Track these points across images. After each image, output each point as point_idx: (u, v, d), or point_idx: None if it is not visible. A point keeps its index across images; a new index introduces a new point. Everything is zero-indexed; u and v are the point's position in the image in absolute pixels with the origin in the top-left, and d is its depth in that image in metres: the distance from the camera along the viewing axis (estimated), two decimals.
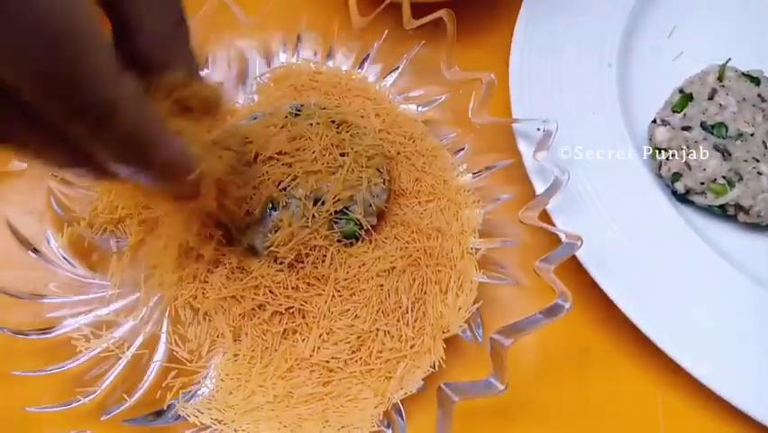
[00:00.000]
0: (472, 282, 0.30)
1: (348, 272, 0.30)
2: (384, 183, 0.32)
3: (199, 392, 0.29)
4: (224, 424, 0.28)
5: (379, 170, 0.32)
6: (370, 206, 0.31)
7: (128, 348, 0.30)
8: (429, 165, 0.34)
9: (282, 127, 0.32)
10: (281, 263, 0.30)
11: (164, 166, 0.22)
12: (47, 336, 0.29)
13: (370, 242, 0.31)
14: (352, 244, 0.31)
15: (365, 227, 0.31)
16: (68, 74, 0.18)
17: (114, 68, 0.19)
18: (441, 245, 0.31)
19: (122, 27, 0.22)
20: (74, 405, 0.27)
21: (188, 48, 0.24)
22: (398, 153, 0.35)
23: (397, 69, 0.38)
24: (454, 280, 0.30)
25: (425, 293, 0.30)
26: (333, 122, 0.32)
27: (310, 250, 0.30)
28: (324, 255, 0.30)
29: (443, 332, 0.29)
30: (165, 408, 0.29)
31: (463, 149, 0.36)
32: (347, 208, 0.30)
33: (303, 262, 0.30)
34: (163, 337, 0.30)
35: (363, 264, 0.30)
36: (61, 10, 0.17)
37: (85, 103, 0.18)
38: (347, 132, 0.32)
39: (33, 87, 0.18)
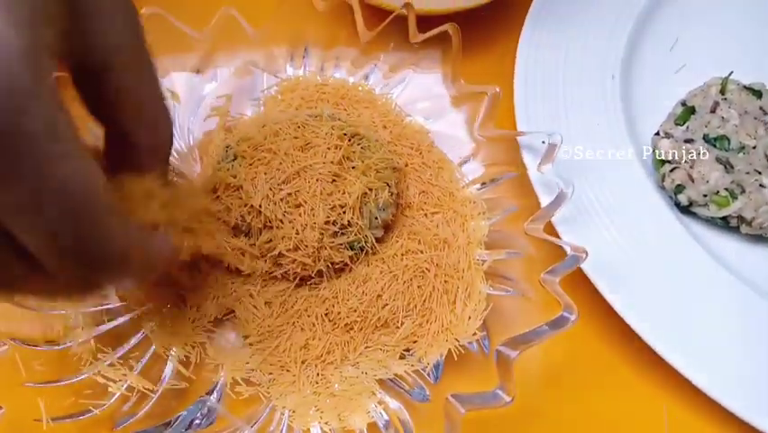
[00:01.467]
0: (480, 293, 0.31)
1: (354, 282, 0.31)
2: (392, 196, 0.32)
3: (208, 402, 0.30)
4: None
5: (387, 183, 0.32)
6: (377, 218, 0.31)
7: (139, 359, 0.30)
8: (435, 177, 0.35)
9: (295, 138, 0.32)
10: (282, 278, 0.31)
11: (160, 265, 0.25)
12: (58, 347, 0.30)
13: (374, 253, 0.32)
14: (357, 256, 0.31)
15: (370, 241, 0.31)
16: (83, 235, 0.18)
17: (123, 220, 0.20)
18: (448, 256, 0.31)
19: (117, 138, 0.25)
20: (86, 416, 0.28)
21: (158, 94, 0.26)
22: (406, 165, 0.35)
23: (403, 81, 0.39)
24: (462, 291, 0.31)
25: (434, 301, 0.31)
26: (345, 134, 0.32)
27: (313, 262, 0.30)
28: (330, 267, 0.31)
29: (456, 340, 0.30)
30: (174, 419, 0.29)
31: (468, 161, 0.36)
32: (352, 220, 0.31)
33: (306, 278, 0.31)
34: (173, 351, 0.31)
35: (368, 276, 0.31)
36: (80, 176, 0.18)
37: (100, 257, 0.19)
38: (359, 144, 0.32)
39: (47, 245, 0.18)
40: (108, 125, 0.25)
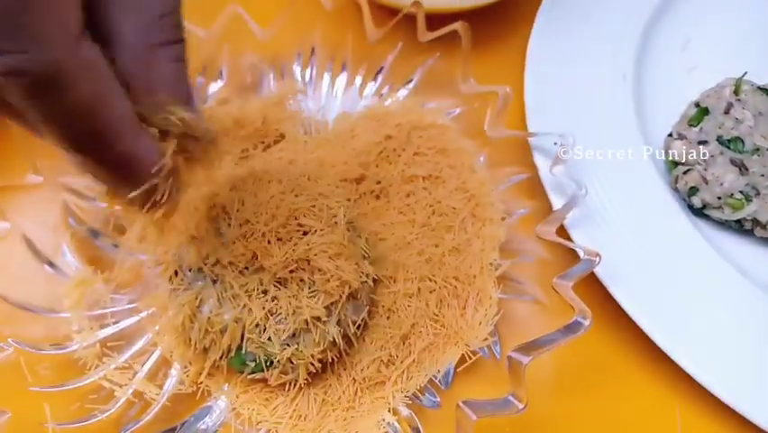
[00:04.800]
0: (491, 298, 0.30)
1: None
2: (360, 298, 0.29)
3: (214, 407, 0.29)
4: None
5: (353, 295, 0.29)
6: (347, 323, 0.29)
7: (143, 363, 0.30)
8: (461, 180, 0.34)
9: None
10: None
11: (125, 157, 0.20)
12: (63, 351, 0.29)
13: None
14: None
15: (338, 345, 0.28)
16: (13, 23, 0.16)
17: (78, 28, 0.17)
18: (461, 262, 0.31)
19: (105, 45, 0.19)
20: (92, 421, 0.27)
21: (178, 73, 0.21)
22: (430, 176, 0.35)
23: (412, 81, 0.38)
24: (473, 296, 0.30)
25: (445, 306, 0.30)
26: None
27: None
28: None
29: (467, 345, 0.29)
30: (180, 424, 0.29)
31: (479, 162, 0.35)
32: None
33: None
34: None
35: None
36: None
37: (32, 61, 0.16)
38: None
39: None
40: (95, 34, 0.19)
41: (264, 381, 0.28)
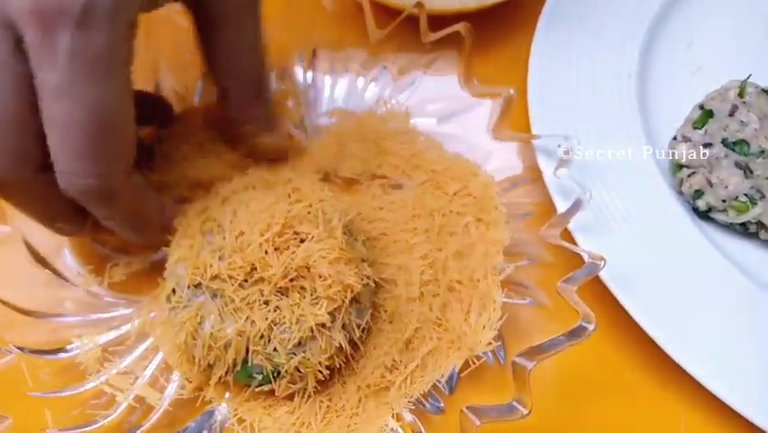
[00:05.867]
0: (495, 302, 0.30)
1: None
2: (362, 302, 0.29)
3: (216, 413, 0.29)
4: None
5: (356, 299, 0.28)
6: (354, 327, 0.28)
7: (145, 368, 0.30)
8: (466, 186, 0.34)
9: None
10: None
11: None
12: (64, 356, 0.29)
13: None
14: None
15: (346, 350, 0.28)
16: (98, 160, 0.24)
17: (130, 164, 0.26)
18: (465, 266, 0.31)
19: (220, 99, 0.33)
20: (93, 427, 0.27)
21: (266, 113, 0.33)
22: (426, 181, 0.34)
23: (414, 83, 0.38)
24: (476, 301, 0.30)
25: (448, 311, 0.30)
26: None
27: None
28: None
29: (470, 350, 0.29)
30: (182, 430, 0.29)
31: (482, 166, 0.35)
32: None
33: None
34: None
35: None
36: (110, 108, 0.24)
37: (100, 185, 0.25)
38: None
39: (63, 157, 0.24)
40: (213, 77, 0.31)
41: (270, 391, 0.28)
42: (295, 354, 0.27)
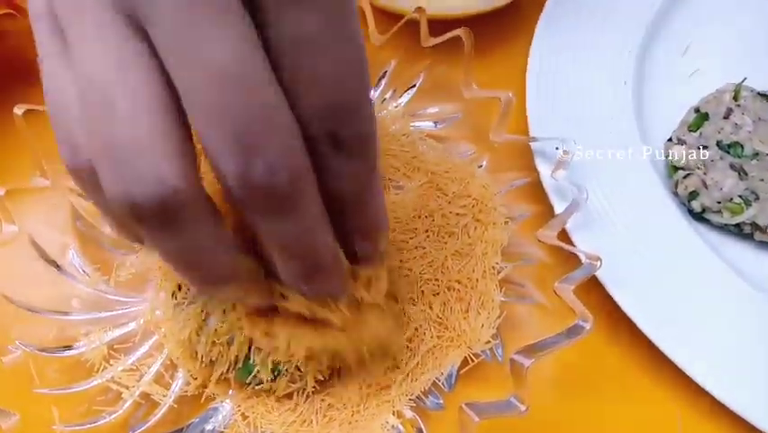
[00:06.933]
0: (493, 301, 0.31)
1: None
2: None
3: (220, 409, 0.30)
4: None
5: None
6: None
7: (151, 365, 0.30)
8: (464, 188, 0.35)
9: None
10: None
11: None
12: (70, 353, 0.30)
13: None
14: None
15: None
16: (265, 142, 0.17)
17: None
18: (463, 265, 0.31)
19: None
20: (100, 423, 0.28)
21: (376, 209, 0.22)
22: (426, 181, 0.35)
23: (414, 86, 0.39)
24: (475, 300, 0.31)
25: (448, 310, 0.31)
26: None
27: None
28: None
29: (469, 348, 0.30)
30: (186, 426, 0.29)
31: (481, 166, 0.36)
32: None
33: None
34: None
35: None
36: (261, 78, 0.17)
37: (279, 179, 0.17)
38: None
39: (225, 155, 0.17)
40: None
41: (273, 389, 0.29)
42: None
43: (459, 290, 0.31)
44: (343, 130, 0.18)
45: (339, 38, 0.17)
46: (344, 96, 0.18)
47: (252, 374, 0.28)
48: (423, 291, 0.31)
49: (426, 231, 0.33)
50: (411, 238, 0.33)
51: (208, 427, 0.29)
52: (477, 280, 0.31)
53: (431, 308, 0.31)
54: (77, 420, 0.28)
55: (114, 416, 0.28)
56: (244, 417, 0.29)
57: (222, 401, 0.30)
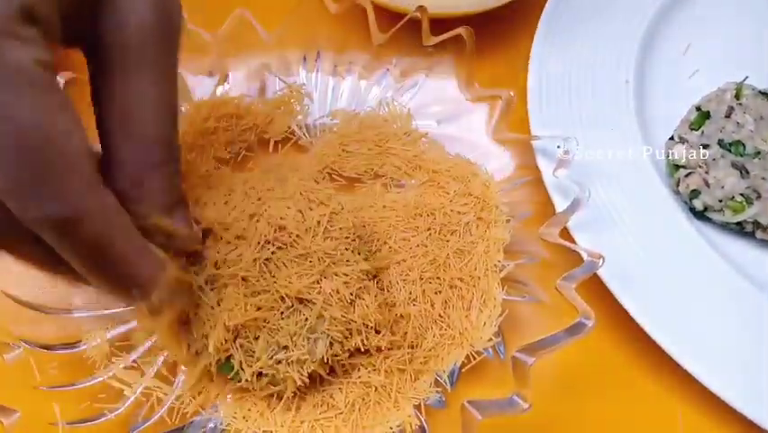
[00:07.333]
0: (495, 299, 0.31)
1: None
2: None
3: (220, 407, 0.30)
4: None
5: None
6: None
7: (151, 363, 0.30)
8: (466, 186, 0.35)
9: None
10: None
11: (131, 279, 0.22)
12: (72, 350, 0.30)
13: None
14: None
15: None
16: (36, 184, 0.19)
17: (89, 180, 0.20)
18: (466, 264, 0.31)
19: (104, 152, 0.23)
20: (101, 420, 0.28)
21: (167, 186, 0.24)
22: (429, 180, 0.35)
23: (416, 85, 0.39)
24: (477, 298, 0.31)
25: (450, 308, 0.31)
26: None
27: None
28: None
29: (471, 345, 0.30)
30: (187, 424, 0.29)
31: (483, 165, 0.36)
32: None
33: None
34: None
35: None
36: (38, 123, 0.18)
37: (52, 212, 0.19)
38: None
39: (5, 194, 0.19)
40: (102, 138, 0.23)
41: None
42: (279, 360, 0.27)
43: (461, 288, 0.31)
44: None
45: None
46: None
47: (234, 371, 0.27)
48: (424, 290, 0.31)
49: (428, 229, 0.33)
50: (413, 236, 0.33)
51: (210, 424, 0.29)
52: (479, 278, 0.31)
53: (432, 306, 0.31)
54: (78, 417, 0.28)
55: (115, 413, 0.28)
56: (244, 418, 0.29)
57: (222, 401, 0.30)
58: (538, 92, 0.38)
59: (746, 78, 0.38)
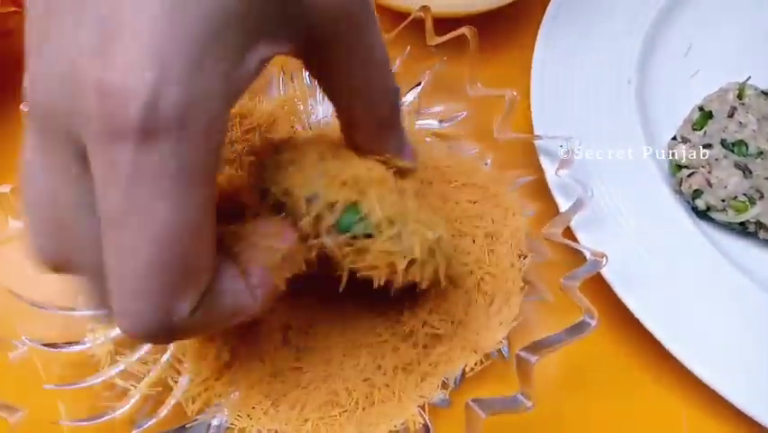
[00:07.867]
0: (510, 302, 0.31)
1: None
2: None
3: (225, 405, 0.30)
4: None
5: None
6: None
7: (155, 361, 0.30)
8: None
9: None
10: None
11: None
12: (77, 349, 0.30)
13: None
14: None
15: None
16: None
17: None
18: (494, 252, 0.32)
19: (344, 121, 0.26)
20: (105, 419, 0.28)
21: (398, 135, 0.27)
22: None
23: (419, 84, 0.39)
24: (501, 297, 0.31)
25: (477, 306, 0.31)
26: None
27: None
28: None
29: (482, 349, 0.30)
30: (190, 422, 0.29)
31: (486, 164, 0.36)
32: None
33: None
34: None
35: None
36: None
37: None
38: None
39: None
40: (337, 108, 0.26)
41: (276, 387, 0.29)
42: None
43: (488, 282, 0.31)
44: None
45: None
46: None
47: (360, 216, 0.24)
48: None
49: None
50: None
51: (214, 422, 0.29)
52: (504, 271, 0.31)
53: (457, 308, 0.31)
54: (82, 416, 0.28)
55: (119, 412, 0.28)
56: (249, 414, 0.29)
57: (227, 398, 0.30)
58: (541, 92, 0.38)
59: (749, 78, 0.38)
